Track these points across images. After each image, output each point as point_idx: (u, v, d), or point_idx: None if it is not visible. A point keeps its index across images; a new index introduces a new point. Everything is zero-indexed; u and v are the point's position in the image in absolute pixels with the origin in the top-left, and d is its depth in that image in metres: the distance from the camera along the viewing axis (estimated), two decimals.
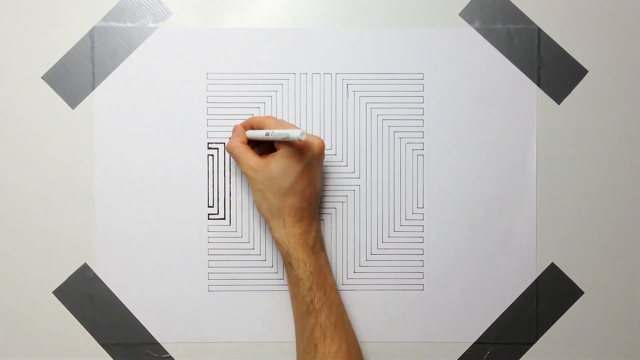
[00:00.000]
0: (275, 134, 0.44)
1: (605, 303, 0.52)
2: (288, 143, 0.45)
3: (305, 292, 0.46)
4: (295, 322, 0.48)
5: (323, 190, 0.51)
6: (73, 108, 0.52)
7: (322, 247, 0.49)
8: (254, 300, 0.52)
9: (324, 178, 0.52)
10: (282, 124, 0.47)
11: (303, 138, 0.41)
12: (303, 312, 0.46)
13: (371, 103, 0.52)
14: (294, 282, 0.47)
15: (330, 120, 0.52)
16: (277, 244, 0.47)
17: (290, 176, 0.45)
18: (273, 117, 0.49)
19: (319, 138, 0.46)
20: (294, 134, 0.42)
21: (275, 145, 0.47)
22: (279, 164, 0.45)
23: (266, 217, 0.48)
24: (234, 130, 0.50)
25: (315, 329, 0.45)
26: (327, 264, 0.49)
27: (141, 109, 0.52)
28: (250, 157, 0.47)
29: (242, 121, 0.50)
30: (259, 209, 0.48)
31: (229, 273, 0.52)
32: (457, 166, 0.52)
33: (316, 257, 0.47)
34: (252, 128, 0.49)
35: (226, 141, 0.52)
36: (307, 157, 0.45)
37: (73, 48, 0.51)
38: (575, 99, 0.52)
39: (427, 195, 0.52)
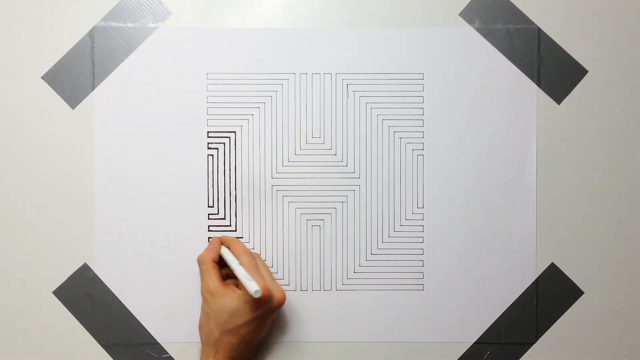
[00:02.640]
0: (239, 274, 0.45)
1: (605, 303, 0.52)
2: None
3: None
4: None
5: (323, 190, 0.52)
6: (73, 108, 0.52)
7: None
8: None
9: (327, 178, 0.52)
10: (255, 266, 0.47)
11: (257, 295, 0.42)
12: None
13: (371, 103, 0.52)
14: None
15: (330, 120, 0.52)
16: None
17: (239, 319, 0.45)
18: (250, 253, 0.49)
19: (282, 292, 0.47)
20: (249, 287, 0.42)
21: (239, 281, 0.46)
22: (233, 302, 0.45)
23: (202, 340, 0.48)
24: (210, 243, 0.50)
25: None
26: None
27: (141, 109, 0.52)
28: (212, 279, 0.47)
29: (221, 236, 0.51)
30: (200, 329, 0.48)
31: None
32: (457, 166, 0.52)
33: None
34: (230, 248, 0.49)
35: (226, 141, 0.52)
36: (263, 309, 0.46)
37: (73, 48, 0.51)
38: (575, 99, 0.52)
39: (427, 195, 0.52)
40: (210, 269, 0.48)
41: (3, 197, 0.51)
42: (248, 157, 0.52)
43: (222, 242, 0.50)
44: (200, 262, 0.49)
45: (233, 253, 0.48)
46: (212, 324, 0.46)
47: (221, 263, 0.49)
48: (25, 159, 0.51)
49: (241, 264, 0.47)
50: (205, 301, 0.47)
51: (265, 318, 0.47)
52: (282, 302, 0.47)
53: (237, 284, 0.47)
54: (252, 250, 0.51)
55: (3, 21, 0.51)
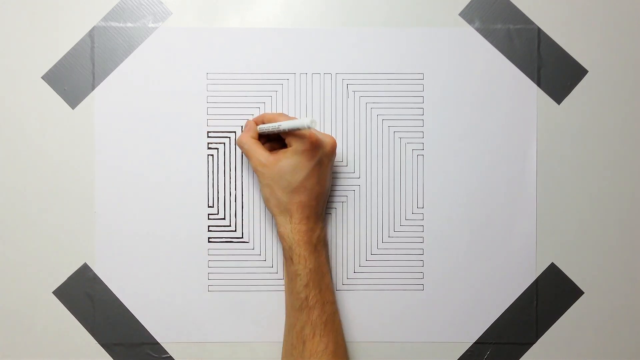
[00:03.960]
0: (285, 125, 0.44)
1: (605, 303, 0.52)
2: (300, 140, 0.45)
3: (302, 288, 0.46)
4: (286, 316, 0.48)
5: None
6: (73, 108, 0.52)
7: (325, 245, 0.49)
8: (254, 300, 0.52)
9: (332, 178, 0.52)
10: (294, 119, 0.47)
11: (313, 125, 0.41)
12: (296, 307, 0.46)
13: (371, 103, 0.52)
14: (291, 277, 0.47)
15: (330, 120, 0.52)
16: (281, 238, 0.47)
17: (300, 173, 0.45)
18: (285, 114, 0.49)
19: (331, 137, 0.47)
20: (303, 122, 0.41)
21: (287, 141, 0.47)
22: (289, 160, 0.45)
23: (273, 212, 0.48)
24: (245, 126, 0.50)
25: (306, 325, 0.45)
26: (327, 262, 0.49)
27: (141, 109, 0.52)
28: (260, 152, 0.47)
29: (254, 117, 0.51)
30: (267, 204, 0.48)
31: (229, 273, 0.52)
32: (457, 166, 0.52)
33: (317, 255, 0.47)
34: (264, 122, 0.49)
35: (226, 141, 0.52)
36: (319, 155, 0.45)
37: (73, 48, 0.51)
38: (575, 99, 0.52)
39: (427, 195, 0.52)
40: (254, 144, 0.47)
41: (3, 197, 0.51)
42: None
43: (256, 121, 0.49)
44: (240, 143, 0.48)
45: (269, 121, 0.48)
46: (278, 191, 0.46)
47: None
48: (25, 159, 0.51)
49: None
50: (261, 175, 0.47)
51: (324, 166, 0.47)
52: (334, 146, 0.47)
53: (283, 149, 0.47)
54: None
55: (3, 21, 0.51)
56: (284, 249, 0.47)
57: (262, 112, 0.52)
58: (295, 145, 0.45)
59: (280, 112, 0.51)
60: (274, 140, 0.50)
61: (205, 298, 0.52)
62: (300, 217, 0.46)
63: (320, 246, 0.47)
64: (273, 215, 0.48)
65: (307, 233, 0.46)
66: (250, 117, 0.52)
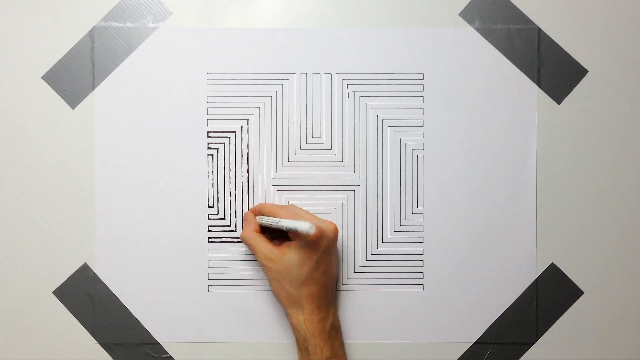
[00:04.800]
0: (286, 224, 0.44)
1: (605, 303, 0.52)
2: (302, 234, 0.45)
3: None
4: None
5: (323, 190, 0.52)
6: (73, 108, 0.52)
7: (338, 329, 0.49)
8: (254, 300, 0.52)
9: (327, 178, 0.52)
10: (294, 213, 0.47)
11: (312, 232, 0.42)
12: None
13: (371, 103, 0.52)
14: None
15: (330, 120, 0.52)
16: (294, 329, 0.47)
17: (307, 266, 0.45)
18: (283, 206, 0.49)
19: (332, 223, 0.47)
20: (302, 227, 0.42)
21: (290, 235, 0.47)
22: (295, 254, 0.45)
23: (283, 304, 0.48)
24: (245, 219, 0.50)
25: None
26: (342, 346, 0.49)
27: (141, 109, 0.52)
28: (265, 247, 0.47)
29: (252, 207, 0.51)
30: (276, 296, 0.48)
31: (229, 273, 0.52)
32: (457, 166, 0.52)
33: (332, 342, 0.47)
34: (262, 214, 0.49)
35: (226, 141, 0.52)
36: (323, 246, 0.46)
37: (73, 48, 0.51)
38: (575, 99, 0.52)
39: (427, 195, 0.52)
40: (258, 239, 0.48)
41: (3, 197, 0.51)
42: (248, 157, 0.52)
43: (253, 212, 0.50)
44: (244, 238, 0.48)
45: (268, 215, 0.48)
46: (286, 285, 0.46)
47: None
48: (25, 159, 0.51)
49: (282, 217, 0.46)
50: (268, 270, 0.47)
51: (329, 254, 0.47)
52: (336, 232, 0.47)
53: (287, 242, 0.47)
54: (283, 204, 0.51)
55: (3, 21, 0.51)
56: (297, 340, 0.47)
57: (262, 112, 0.52)
58: (298, 239, 0.45)
59: (270, 115, 0.51)
60: (275, 230, 0.48)
61: (205, 298, 0.52)
62: (311, 308, 0.46)
63: (333, 332, 0.48)
64: (283, 307, 0.48)
65: (321, 322, 0.46)
66: (251, 117, 0.52)
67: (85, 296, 0.51)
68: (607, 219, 0.52)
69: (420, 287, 0.52)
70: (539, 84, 0.52)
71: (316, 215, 0.50)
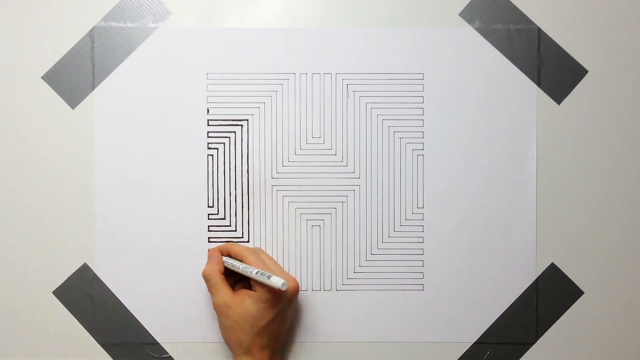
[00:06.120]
0: (256, 274, 0.44)
1: (605, 303, 0.52)
2: (265, 288, 0.45)
3: None
4: None
5: (323, 190, 0.52)
6: (73, 108, 0.52)
7: None
8: None
9: (327, 178, 0.52)
10: (260, 259, 0.47)
11: (284, 288, 0.42)
12: None
13: (371, 103, 0.52)
14: None
15: (330, 120, 0.52)
16: None
17: (264, 319, 0.45)
18: (252, 251, 0.49)
19: (295, 281, 0.47)
20: (275, 282, 0.42)
21: (252, 282, 0.47)
22: (254, 306, 0.45)
23: (233, 351, 0.47)
24: (210, 255, 0.49)
25: None
26: None
27: (141, 109, 0.52)
28: (225, 292, 0.46)
29: (219, 245, 0.51)
30: (227, 343, 0.48)
31: None
32: (457, 166, 0.52)
33: None
34: (230, 255, 0.49)
35: (226, 141, 0.52)
36: (283, 302, 0.46)
37: (73, 48, 0.51)
38: (575, 99, 0.52)
39: (427, 195, 0.52)
40: (219, 281, 0.47)
41: (3, 197, 0.51)
42: (248, 157, 0.52)
43: (221, 251, 0.50)
44: (206, 277, 0.48)
45: (236, 256, 0.48)
46: (239, 333, 0.46)
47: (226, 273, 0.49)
48: (25, 159, 0.51)
49: (250, 264, 0.46)
50: (222, 315, 0.46)
51: (286, 310, 0.47)
52: (297, 290, 0.47)
53: (247, 287, 0.47)
54: (250, 246, 0.51)
55: (3, 21, 0.51)
56: None
57: (262, 112, 0.52)
58: (260, 292, 0.45)
59: (270, 115, 0.51)
60: (235, 274, 0.49)
61: (205, 298, 0.52)
62: (261, 356, 0.46)
63: None
64: (233, 354, 0.47)
65: None
66: (251, 117, 0.52)
67: (85, 296, 0.51)
68: (607, 219, 0.52)
69: (420, 287, 0.52)
70: (539, 84, 0.52)
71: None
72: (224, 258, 0.49)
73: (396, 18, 0.52)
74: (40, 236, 0.51)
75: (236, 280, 0.50)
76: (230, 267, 0.48)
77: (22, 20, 0.51)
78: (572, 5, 0.52)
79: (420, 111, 0.52)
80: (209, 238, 0.52)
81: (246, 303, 0.46)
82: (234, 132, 0.52)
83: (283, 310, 0.47)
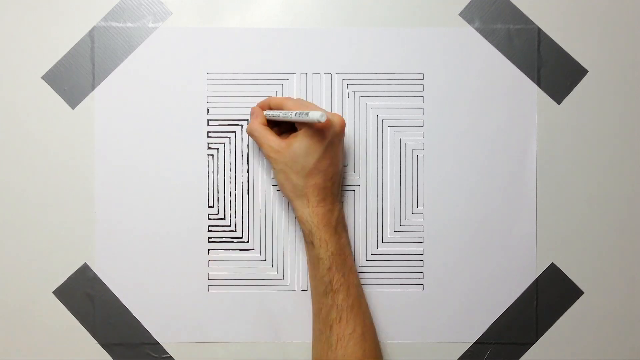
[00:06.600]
0: (295, 114, 0.44)
1: (605, 303, 0.52)
2: (309, 123, 0.45)
3: (325, 272, 0.45)
4: (312, 302, 0.48)
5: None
6: (73, 108, 0.52)
7: (344, 227, 0.49)
8: (254, 300, 0.52)
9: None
10: (302, 104, 0.47)
11: (323, 120, 0.41)
12: (321, 292, 0.46)
13: (371, 103, 0.52)
14: (314, 262, 0.46)
15: None
16: (300, 222, 0.47)
17: (313, 156, 0.45)
18: (291, 98, 0.49)
19: (340, 116, 0.46)
20: (313, 116, 0.41)
21: (296, 124, 0.47)
22: (301, 144, 0.45)
23: (289, 197, 0.47)
24: (252, 113, 0.49)
25: (332, 310, 0.45)
26: (349, 244, 0.49)
27: (141, 109, 0.52)
28: (271, 139, 0.47)
29: (260, 102, 0.50)
30: (282, 189, 0.48)
31: (229, 273, 0.52)
32: (457, 166, 0.52)
33: (338, 238, 0.47)
34: (270, 108, 0.49)
35: (226, 141, 0.52)
36: (329, 136, 0.45)
37: (73, 48, 0.51)
38: (575, 99, 0.52)
39: (427, 195, 0.52)
40: (264, 131, 0.47)
41: (3, 197, 0.51)
42: (248, 157, 0.52)
43: (261, 107, 0.49)
44: (251, 132, 0.48)
45: (276, 107, 0.48)
46: (292, 175, 0.46)
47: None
48: (25, 159, 0.51)
49: (290, 108, 0.46)
50: (274, 161, 0.46)
51: (335, 145, 0.46)
52: (343, 125, 0.46)
53: (293, 133, 0.47)
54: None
55: (3, 21, 0.51)
56: (304, 234, 0.47)
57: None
58: (305, 128, 0.45)
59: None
60: (282, 124, 0.49)
61: (205, 298, 0.52)
62: (317, 200, 0.46)
63: (340, 228, 0.47)
64: (290, 200, 0.48)
65: (326, 215, 0.46)
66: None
67: (85, 296, 0.51)
68: (607, 219, 0.52)
69: (420, 287, 0.52)
70: (539, 84, 0.52)
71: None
72: (265, 112, 0.49)
73: (396, 18, 0.52)
74: (40, 236, 0.51)
75: (280, 132, 0.49)
76: (271, 117, 0.48)
77: (22, 20, 0.51)
78: (572, 5, 0.52)
79: (420, 111, 0.52)
80: (209, 238, 0.52)
81: (293, 143, 0.45)
82: (234, 132, 0.52)
83: (331, 145, 0.46)
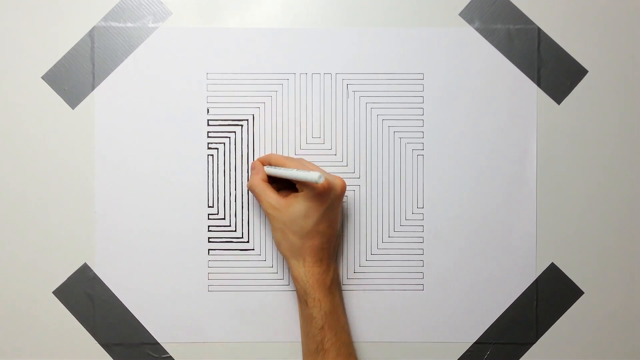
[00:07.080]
0: (294, 173, 0.44)
1: (605, 303, 0.52)
2: (310, 184, 0.45)
3: (317, 331, 0.46)
4: (303, 357, 0.48)
5: None
6: (73, 108, 0.52)
7: (338, 285, 0.50)
8: (254, 300, 0.52)
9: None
10: (302, 164, 0.47)
11: (321, 181, 0.41)
12: (312, 350, 0.46)
13: (371, 103, 0.52)
14: (307, 320, 0.47)
15: (330, 120, 0.52)
16: (295, 281, 0.47)
17: (312, 218, 0.45)
18: (292, 158, 0.49)
19: (341, 179, 0.47)
20: (312, 176, 0.42)
21: (297, 186, 0.47)
22: (301, 205, 0.45)
23: (285, 256, 0.48)
24: (252, 168, 0.50)
25: None
26: (342, 303, 0.49)
27: (141, 109, 0.52)
28: (271, 196, 0.47)
29: (261, 157, 0.51)
30: (278, 247, 0.48)
31: (229, 273, 0.52)
32: (457, 166, 0.52)
33: (332, 297, 0.47)
34: (270, 164, 0.49)
35: (226, 141, 0.52)
36: (330, 200, 0.46)
37: (73, 48, 0.51)
38: (575, 99, 0.52)
39: (427, 195, 0.52)
40: (265, 187, 0.47)
41: (3, 197, 0.51)
42: (248, 157, 0.52)
43: (262, 162, 0.50)
44: (252, 187, 0.48)
45: (277, 164, 0.48)
46: (290, 235, 0.46)
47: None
48: (25, 159, 0.51)
49: (290, 167, 0.46)
50: (273, 219, 0.47)
51: (335, 208, 0.47)
52: (344, 187, 0.46)
53: (294, 193, 0.47)
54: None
55: (3, 21, 0.51)
56: (298, 292, 0.48)
57: (262, 112, 0.52)
58: (306, 190, 0.45)
59: (270, 114, 0.51)
60: (281, 180, 0.49)
61: (205, 298, 0.52)
62: (313, 261, 0.46)
63: (334, 287, 0.48)
64: (285, 258, 0.48)
65: (322, 275, 0.46)
66: (251, 117, 0.52)
67: (85, 296, 0.51)
68: (607, 219, 0.52)
69: (420, 287, 0.52)
70: (539, 84, 0.52)
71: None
72: (265, 167, 0.49)
73: (396, 18, 0.52)
74: (40, 236, 0.51)
75: (281, 189, 0.50)
76: (271, 174, 0.48)
77: (22, 20, 0.51)
78: (572, 5, 0.52)
79: (420, 111, 0.52)
80: (209, 238, 0.52)
81: (293, 204, 0.46)
82: (234, 132, 0.52)
83: (331, 208, 0.46)
